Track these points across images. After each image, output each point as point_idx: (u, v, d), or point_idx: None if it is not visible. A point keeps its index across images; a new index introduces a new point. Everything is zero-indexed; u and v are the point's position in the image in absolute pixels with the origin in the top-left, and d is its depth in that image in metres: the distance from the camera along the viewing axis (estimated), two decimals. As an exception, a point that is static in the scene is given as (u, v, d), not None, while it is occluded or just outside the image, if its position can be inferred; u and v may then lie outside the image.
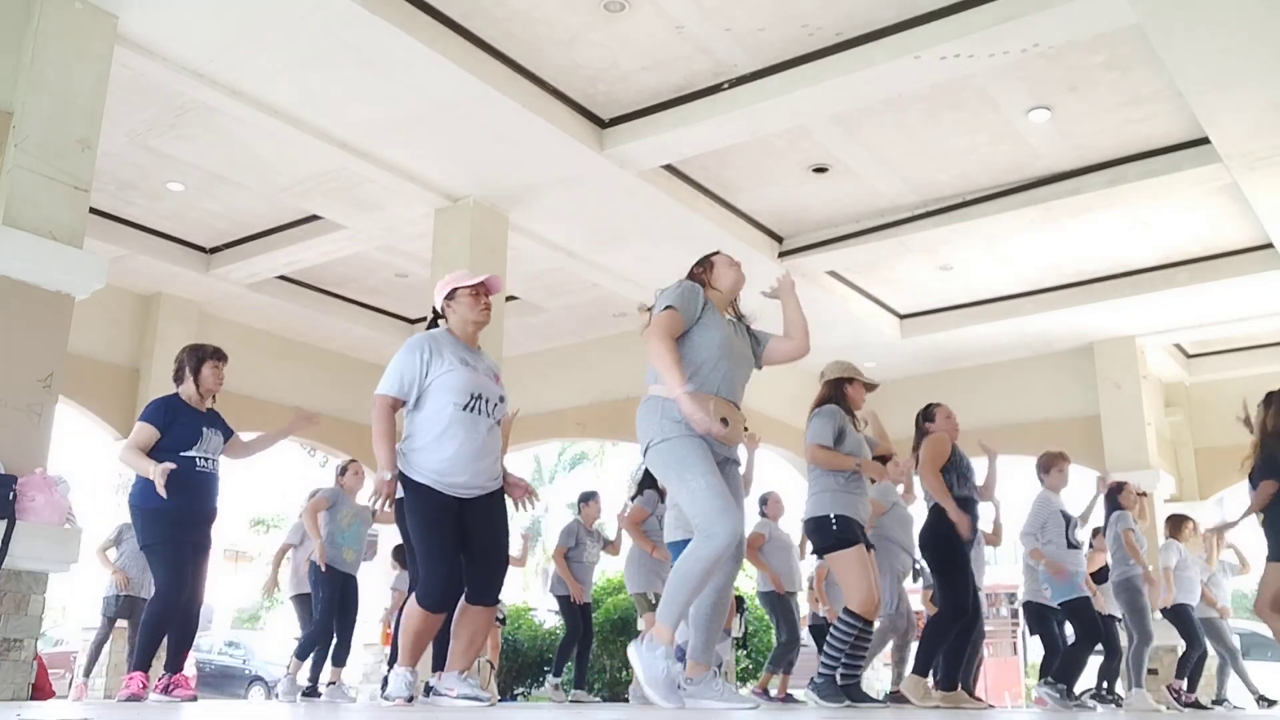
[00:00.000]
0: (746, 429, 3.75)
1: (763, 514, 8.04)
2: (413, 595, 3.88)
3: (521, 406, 11.54)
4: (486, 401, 3.91)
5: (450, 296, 4.08)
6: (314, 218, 9.06)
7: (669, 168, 8.09)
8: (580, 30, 6.44)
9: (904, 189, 8.58)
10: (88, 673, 8.64)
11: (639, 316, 3.94)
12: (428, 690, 4.08)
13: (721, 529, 3.42)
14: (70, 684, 9.66)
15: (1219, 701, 9.00)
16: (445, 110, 6.91)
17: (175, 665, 4.92)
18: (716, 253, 4.08)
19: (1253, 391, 5.79)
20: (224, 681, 15.94)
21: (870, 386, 5.29)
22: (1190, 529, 8.55)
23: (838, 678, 4.97)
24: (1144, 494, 8.47)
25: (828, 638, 5.02)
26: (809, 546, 7.11)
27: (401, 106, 6.88)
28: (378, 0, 5.90)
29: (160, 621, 4.81)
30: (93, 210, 7.95)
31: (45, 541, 4.69)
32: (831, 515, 4.89)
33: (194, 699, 4.91)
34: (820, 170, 8.27)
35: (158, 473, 4.61)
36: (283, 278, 10.41)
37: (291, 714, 3.77)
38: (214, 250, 9.87)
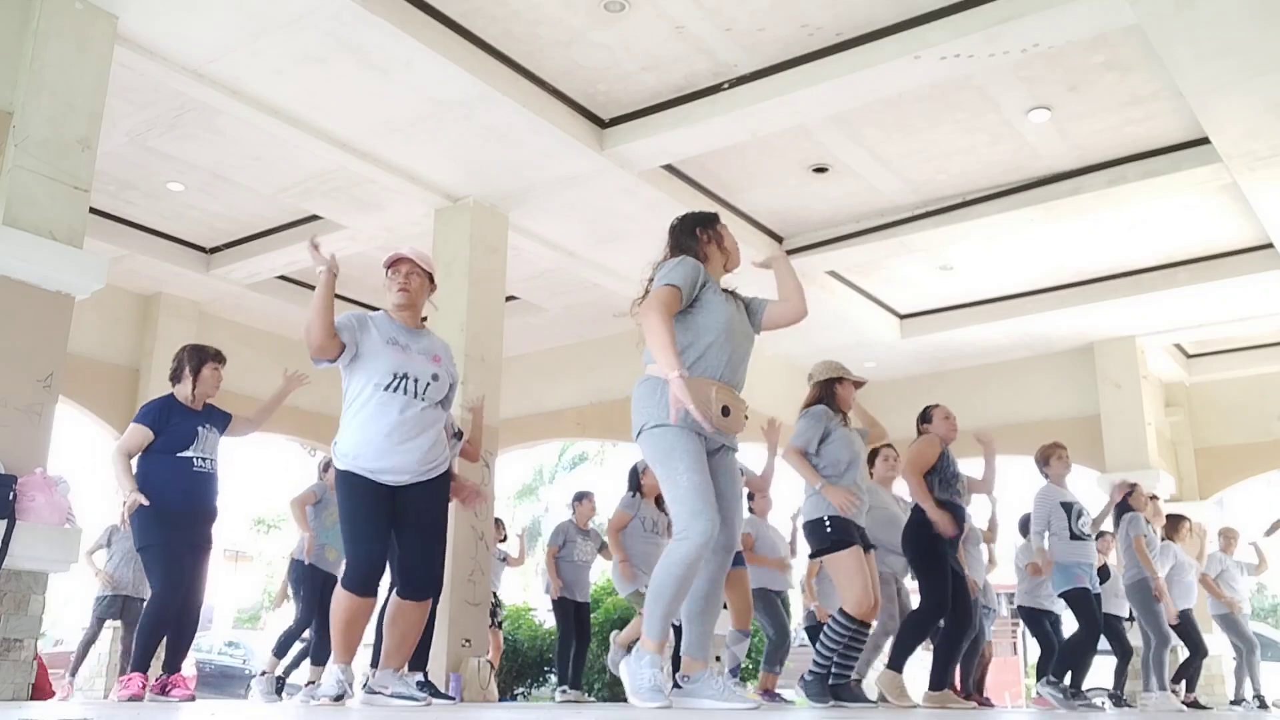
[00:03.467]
0: (747, 416, 3.58)
1: (750, 511, 7.65)
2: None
3: (521, 407, 11.71)
4: (415, 381, 3.75)
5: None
6: (314, 218, 9.05)
7: (669, 168, 8.09)
8: (580, 30, 6.44)
9: (904, 189, 8.58)
10: (74, 672, 8.62)
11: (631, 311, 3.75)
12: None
13: (695, 530, 3.24)
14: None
15: (1237, 701, 8.98)
16: (445, 110, 6.91)
17: (173, 665, 4.93)
18: (717, 218, 3.80)
19: (1252, 391, 5.79)
20: (224, 681, 15.90)
21: (859, 384, 5.27)
22: (1187, 529, 8.51)
23: (829, 677, 4.94)
24: (1155, 496, 8.44)
25: (820, 637, 4.97)
26: (800, 545, 7.04)
27: (401, 106, 6.88)
28: (377, 0, 5.90)
29: (157, 624, 4.84)
30: (93, 210, 7.95)
31: (45, 542, 4.68)
32: (826, 517, 4.85)
33: (191, 699, 4.91)
34: (820, 170, 8.27)
35: (130, 502, 4.72)
36: (283, 278, 10.41)
37: (290, 714, 3.76)
38: (214, 250, 9.88)
